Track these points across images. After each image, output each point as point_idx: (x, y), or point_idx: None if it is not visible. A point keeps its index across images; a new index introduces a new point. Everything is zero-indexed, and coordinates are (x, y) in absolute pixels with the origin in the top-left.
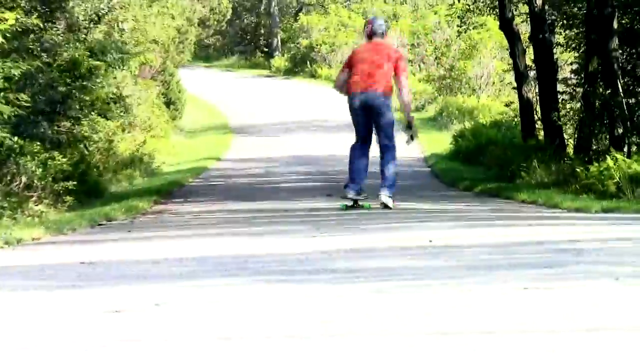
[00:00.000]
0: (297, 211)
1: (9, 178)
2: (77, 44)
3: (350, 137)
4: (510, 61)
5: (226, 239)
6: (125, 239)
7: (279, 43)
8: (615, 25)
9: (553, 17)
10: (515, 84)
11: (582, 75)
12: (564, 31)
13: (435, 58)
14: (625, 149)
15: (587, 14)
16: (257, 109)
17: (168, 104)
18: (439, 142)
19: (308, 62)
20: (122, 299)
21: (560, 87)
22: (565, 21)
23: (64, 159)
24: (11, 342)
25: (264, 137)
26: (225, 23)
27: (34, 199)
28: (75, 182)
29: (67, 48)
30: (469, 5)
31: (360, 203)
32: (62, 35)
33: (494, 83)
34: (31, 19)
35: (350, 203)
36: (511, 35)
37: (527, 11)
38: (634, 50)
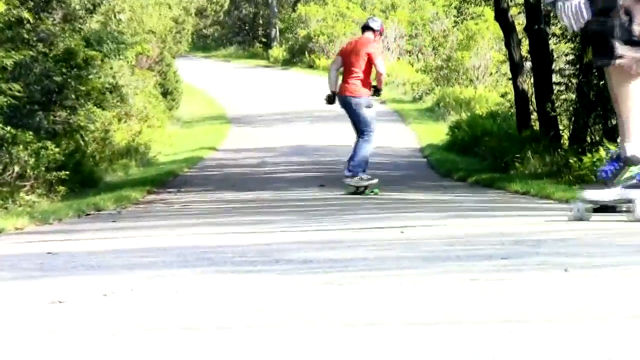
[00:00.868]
0: (288, 201)
1: (1, 168)
2: (73, 33)
3: (347, 128)
4: (506, 52)
5: (205, 229)
6: (106, 229)
7: (277, 33)
8: None
9: (548, 8)
10: (510, 75)
11: (578, 67)
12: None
13: (433, 49)
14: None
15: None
16: (254, 99)
17: (165, 94)
18: (436, 132)
19: (306, 53)
20: (72, 289)
21: (555, 78)
22: None
23: (57, 149)
24: None
25: (261, 127)
26: (223, 13)
27: (26, 188)
28: (67, 172)
29: (63, 38)
30: None
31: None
32: (58, 25)
33: (491, 74)
34: (23, 11)
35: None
36: (506, 26)
37: (523, 2)
38: None
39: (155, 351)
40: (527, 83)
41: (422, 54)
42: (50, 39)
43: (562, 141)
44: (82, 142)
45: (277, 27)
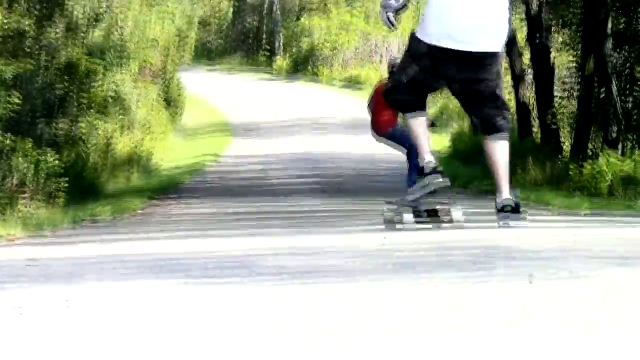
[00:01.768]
0: (284, 210)
1: (0, 177)
2: (75, 44)
3: (349, 139)
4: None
5: (193, 238)
6: (94, 239)
7: (281, 44)
8: (609, 27)
9: (550, 20)
10: (512, 85)
11: (579, 77)
12: (561, 31)
13: None
14: (620, 150)
15: (584, 16)
16: (257, 109)
17: (168, 104)
18: (439, 142)
19: (310, 64)
20: (36, 298)
21: (557, 89)
22: (563, 21)
23: (56, 156)
24: None
25: (264, 137)
26: (227, 24)
27: (25, 197)
28: (67, 181)
29: (65, 49)
30: None
31: None
32: (60, 36)
33: None
34: (24, 21)
35: None
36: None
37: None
38: (630, 52)
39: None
40: (529, 93)
41: None
42: (52, 50)
43: (563, 151)
44: (84, 152)
45: (281, 38)
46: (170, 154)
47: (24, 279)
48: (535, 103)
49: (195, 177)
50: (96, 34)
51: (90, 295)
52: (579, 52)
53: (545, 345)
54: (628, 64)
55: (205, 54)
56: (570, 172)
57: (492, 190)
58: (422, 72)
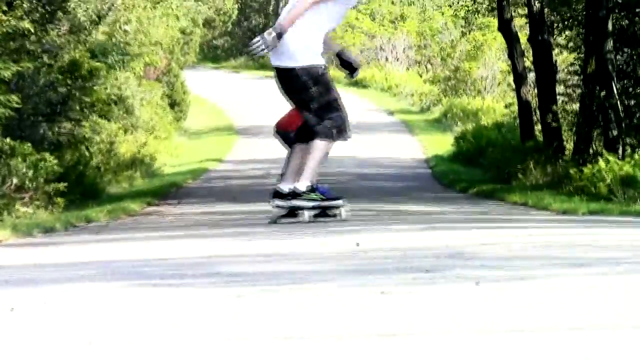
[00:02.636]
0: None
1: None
2: (78, 45)
3: (353, 140)
4: (510, 62)
5: (174, 241)
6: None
7: None
8: (610, 27)
9: (552, 19)
10: (514, 86)
11: (581, 77)
12: (563, 32)
13: (441, 59)
14: (620, 151)
15: (586, 16)
16: (262, 110)
17: (172, 105)
18: (442, 143)
19: None
20: None
21: (559, 89)
22: (564, 23)
23: (55, 161)
24: None
25: (268, 138)
26: (232, 24)
27: (25, 200)
28: (66, 184)
29: (68, 49)
30: (468, 7)
31: None
32: (63, 36)
33: (499, 84)
34: (23, 22)
35: None
36: (510, 36)
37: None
38: (633, 52)
39: None
40: (531, 94)
41: (431, 64)
42: (55, 51)
43: (565, 152)
44: (87, 154)
45: None
46: (174, 155)
47: None
48: (537, 103)
49: (198, 180)
50: (99, 35)
51: (34, 299)
52: (581, 53)
53: (468, 351)
54: (631, 64)
55: (211, 54)
56: (571, 174)
57: (491, 193)
58: None
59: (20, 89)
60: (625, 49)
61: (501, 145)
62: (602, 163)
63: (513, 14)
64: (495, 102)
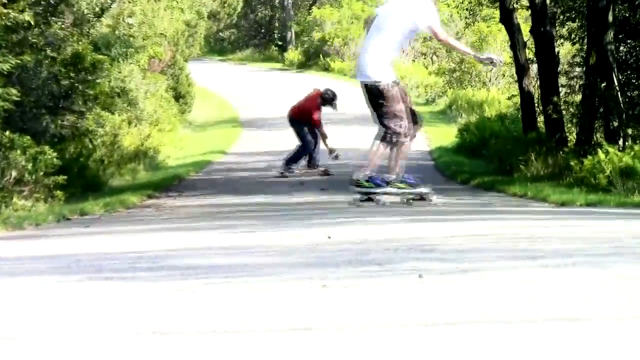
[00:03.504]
0: (278, 205)
1: None
2: (81, 37)
3: (358, 133)
4: (512, 54)
5: (155, 234)
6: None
7: (293, 36)
8: (610, 18)
9: (554, 10)
10: (516, 77)
11: (583, 69)
12: (564, 24)
13: (447, 51)
14: (621, 142)
15: (588, 7)
16: (268, 102)
17: (177, 97)
18: (447, 135)
19: (321, 56)
20: None
21: (562, 81)
22: (567, 14)
23: (54, 154)
24: None
25: (273, 130)
26: (237, 16)
27: (25, 193)
28: (65, 177)
29: (71, 42)
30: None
31: None
32: (66, 29)
33: (503, 76)
34: (23, 15)
35: None
36: (511, 27)
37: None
38: (635, 43)
39: None
40: (533, 85)
41: (436, 56)
42: (58, 43)
43: (568, 143)
44: (91, 146)
45: (293, 30)
46: (178, 148)
47: None
48: (540, 95)
49: (200, 172)
50: (103, 27)
51: None
52: (584, 44)
53: (386, 344)
54: (634, 55)
55: (218, 47)
56: (572, 166)
57: (492, 185)
58: None
59: (22, 82)
60: (629, 41)
61: (504, 136)
62: (601, 154)
63: (515, 5)
64: (500, 94)
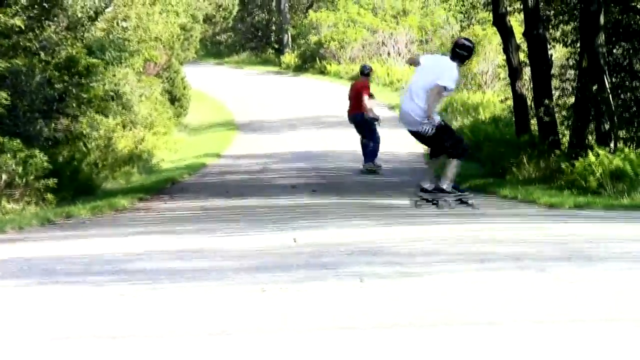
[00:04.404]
0: (264, 208)
1: None
2: (75, 41)
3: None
4: (505, 56)
5: (123, 238)
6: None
7: (289, 39)
8: (602, 21)
9: (547, 13)
10: (509, 80)
11: (576, 71)
12: (557, 27)
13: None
14: (612, 144)
15: (580, 10)
16: (264, 105)
17: (173, 100)
18: None
19: (317, 59)
20: None
21: (556, 83)
22: (560, 17)
23: (45, 157)
24: None
25: (268, 133)
26: (233, 20)
27: (16, 197)
28: (56, 180)
29: (65, 46)
30: (463, 1)
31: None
32: (60, 33)
33: (499, 79)
34: (14, 19)
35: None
36: (504, 30)
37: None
38: (629, 46)
39: None
40: (526, 88)
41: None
42: (52, 47)
43: (561, 146)
44: (85, 150)
45: (289, 34)
46: (173, 151)
47: None
48: (532, 98)
49: (194, 175)
50: (97, 31)
51: None
52: (577, 47)
53: (315, 345)
54: (627, 58)
55: (214, 50)
56: (563, 168)
57: (483, 187)
58: None
59: (15, 86)
60: (623, 43)
61: (497, 139)
62: (592, 157)
63: (508, 8)
64: (495, 97)
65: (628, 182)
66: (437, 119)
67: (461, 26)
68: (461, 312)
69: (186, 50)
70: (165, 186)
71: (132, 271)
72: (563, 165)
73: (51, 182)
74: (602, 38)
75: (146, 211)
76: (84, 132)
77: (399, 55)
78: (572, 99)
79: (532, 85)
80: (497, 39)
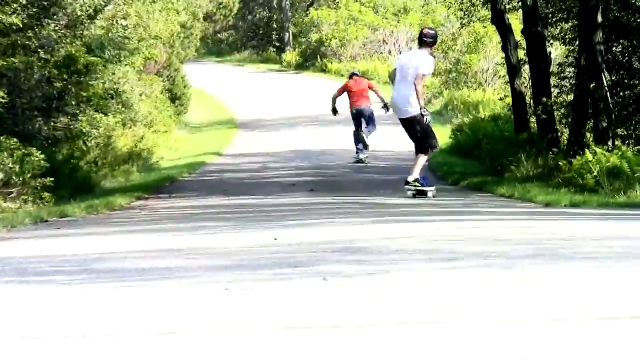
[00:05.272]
0: (259, 206)
1: None
2: (74, 39)
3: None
4: (503, 54)
5: (107, 237)
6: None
7: (290, 37)
8: (600, 18)
9: (546, 11)
10: (507, 78)
11: (575, 69)
12: (555, 25)
13: (443, 52)
14: (610, 142)
15: (579, 8)
16: (264, 103)
17: (173, 99)
18: (441, 135)
19: (318, 57)
20: None
21: (555, 81)
22: (559, 14)
23: (42, 155)
24: None
25: (268, 131)
26: (233, 17)
27: (12, 195)
28: (52, 179)
29: (64, 44)
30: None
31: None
32: (59, 31)
33: (499, 76)
34: (11, 18)
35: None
36: (503, 28)
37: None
38: (628, 43)
39: None
40: (525, 86)
41: (433, 57)
42: (51, 45)
43: (560, 144)
44: (84, 148)
45: (290, 32)
46: (173, 149)
47: None
48: (531, 96)
49: (194, 173)
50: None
51: None
52: (575, 44)
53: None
54: (626, 55)
55: (215, 48)
56: (561, 166)
57: (481, 185)
58: None
59: (14, 84)
60: (621, 40)
61: (496, 137)
62: (589, 155)
63: (507, 6)
64: (495, 95)
65: (625, 180)
66: (424, 110)
67: (461, 24)
68: (420, 310)
69: (186, 48)
70: (164, 184)
71: (102, 271)
72: (561, 163)
73: (48, 180)
74: (599, 36)
75: (142, 210)
76: (84, 130)
77: (400, 53)
78: (571, 97)
79: (531, 83)
80: (497, 36)
